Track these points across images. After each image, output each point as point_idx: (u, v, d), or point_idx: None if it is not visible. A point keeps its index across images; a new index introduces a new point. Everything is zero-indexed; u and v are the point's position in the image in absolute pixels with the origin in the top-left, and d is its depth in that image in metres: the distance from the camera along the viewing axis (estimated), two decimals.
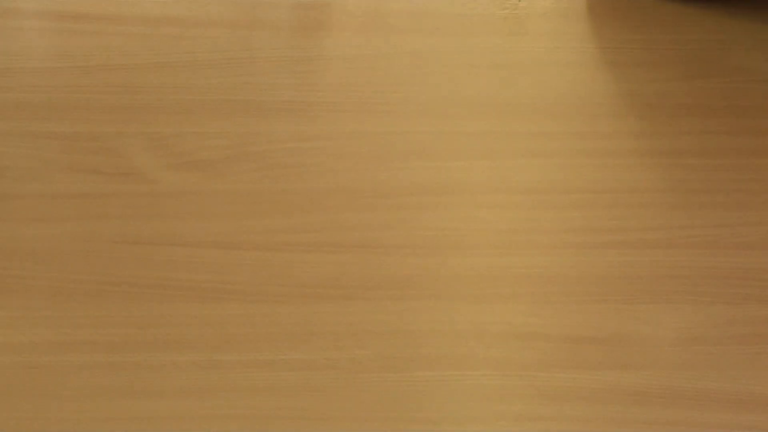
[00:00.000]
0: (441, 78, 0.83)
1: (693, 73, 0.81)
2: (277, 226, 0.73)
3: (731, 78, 0.84)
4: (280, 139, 0.79)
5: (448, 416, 0.60)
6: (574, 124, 0.79)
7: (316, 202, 0.73)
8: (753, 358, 0.64)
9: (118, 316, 0.67)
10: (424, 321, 0.67)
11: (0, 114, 0.83)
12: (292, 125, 0.80)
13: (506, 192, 0.75)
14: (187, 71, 0.83)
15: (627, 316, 0.67)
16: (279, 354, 0.64)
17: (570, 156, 0.76)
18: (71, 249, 0.71)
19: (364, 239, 0.72)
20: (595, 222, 0.73)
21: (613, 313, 0.67)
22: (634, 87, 0.81)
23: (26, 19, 0.94)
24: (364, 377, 0.63)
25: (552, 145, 0.77)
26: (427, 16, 0.87)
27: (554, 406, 0.61)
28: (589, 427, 0.60)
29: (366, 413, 0.61)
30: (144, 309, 0.67)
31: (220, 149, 0.78)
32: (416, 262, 0.71)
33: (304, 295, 0.69)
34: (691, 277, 0.69)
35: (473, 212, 0.73)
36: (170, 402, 0.61)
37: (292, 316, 0.67)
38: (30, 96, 0.83)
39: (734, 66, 0.80)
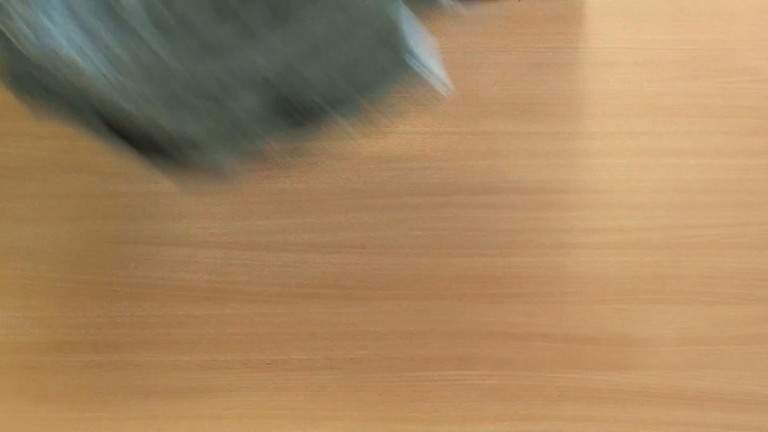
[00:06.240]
0: None
1: (693, 73, 0.81)
2: (277, 226, 0.73)
3: (731, 78, 0.84)
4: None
5: (448, 416, 0.61)
6: (575, 124, 0.79)
7: (316, 202, 0.73)
8: (753, 358, 0.64)
9: (118, 316, 0.67)
10: (425, 321, 0.67)
11: (0, 114, 0.83)
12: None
13: (506, 192, 0.75)
14: None
15: (627, 316, 0.67)
16: (279, 354, 0.64)
17: (570, 156, 0.76)
18: (71, 249, 0.71)
19: (364, 239, 0.72)
20: (595, 222, 0.73)
21: (613, 313, 0.67)
22: (634, 87, 0.81)
23: None
24: (363, 377, 0.63)
25: (552, 145, 0.77)
26: (426, 16, 0.87)
27: (554, 406, 0.61)
28: (589, 427, 0.60)
29: (366, 413, 0.61)
30: (144, 309, 0.67)
31: None
32: (416, 262, 0.71)
33: (304, 295, 0.69)
34: (691, 277, 0.69)
35: (473, 212, 0.73)
36: (170, 402, 0.61)
37: (292, 316, 0.67)
38: None
39: (734, 66, 0.80)
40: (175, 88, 0.53)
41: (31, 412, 0.61)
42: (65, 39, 0.52)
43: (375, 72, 0.57)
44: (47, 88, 0.55)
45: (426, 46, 0.57)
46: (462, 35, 0.87)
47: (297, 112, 0.57)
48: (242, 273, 0.70)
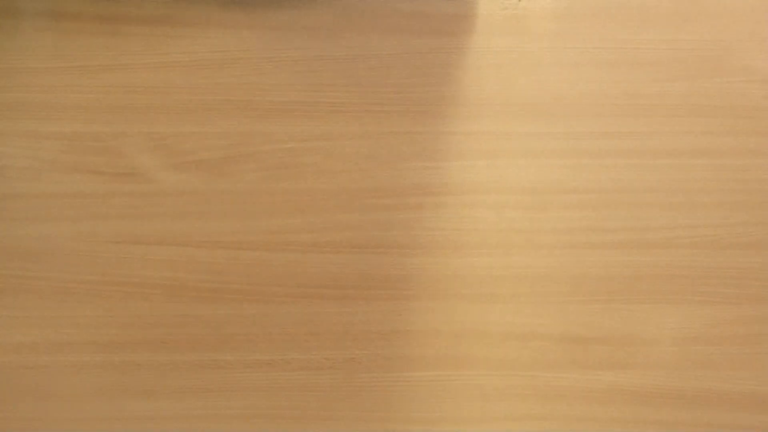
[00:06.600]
0: (441, 78, 0.83)
1: (693, 73, 0.81)
2: (277, 226, 0.73)
3: (731, 78, 0.84)
4: (280, 139, 0.79)
5: (448, 416, 0.60)
6: (574, 124, 0.79)
7: (316, 202, 0.73)
8: (753, 358, 0.64)
9: (118, 316, 0.67)
10: (424, 321, 0.67)
11: (0, 114, 0.83)
12: (292, 125, 0.80)
13: (506, 192, 0.75)
14: (187, 71, 0.83)
15: (627, 316, 0.67)
16: (279, 354, 0.64)
17: (570, 156, 0.76)
18: (71, 249, 0.71)
19: (364, 239, 0.72)
20: (595, 222, 0.73)
21: (613, 313, 0.67)
22: (634, 87, 0.81)
23: (26, 19, 0.94)
24: (363, 377, 0.63)
25: (552, 145, 0.77)
26: (427, 16, 0.87)
27: (554, 406, 0.61)
28: (589, 427, 0.60)
29: (366, 413, 0.61)
30: (144, 309, 0.67)
31: (220, 149, 0.78)
32: (416, 262, 0.71)
33: (304, 295, 0.69)
34: (691, 277, 0.69)
35: (473, 212, 0.73)
36: (170, 402, 0.61)
37: (292, 316, 0.67)
38: (30, 96, 0.83)
39: (734, 66, 0.80)
40: None
41: (31, 412, 0.61)
42: None
43: None
44: None
45: None
46: (462, 35, 0.87)
47: None
48: (242, 273, 0.70)
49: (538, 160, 0.76)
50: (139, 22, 0.85)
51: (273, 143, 0.79)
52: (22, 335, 0.65)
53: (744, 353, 0.64)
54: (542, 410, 0.61)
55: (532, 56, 0.84)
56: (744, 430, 0.60)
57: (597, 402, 0.61)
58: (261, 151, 0.78)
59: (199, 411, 0.61)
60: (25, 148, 0.80)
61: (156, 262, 0.70)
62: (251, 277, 0.70)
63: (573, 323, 0.66)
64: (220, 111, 0.81)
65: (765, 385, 0.62)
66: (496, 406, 0.61)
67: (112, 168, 0.76)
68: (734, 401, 0.61)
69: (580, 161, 0.76)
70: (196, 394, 0.62)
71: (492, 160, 0.77)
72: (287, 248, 0.72)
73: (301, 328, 0.66)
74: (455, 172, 0.76)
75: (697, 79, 0.81)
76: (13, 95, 0.85)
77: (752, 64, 0.80)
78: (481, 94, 0.81)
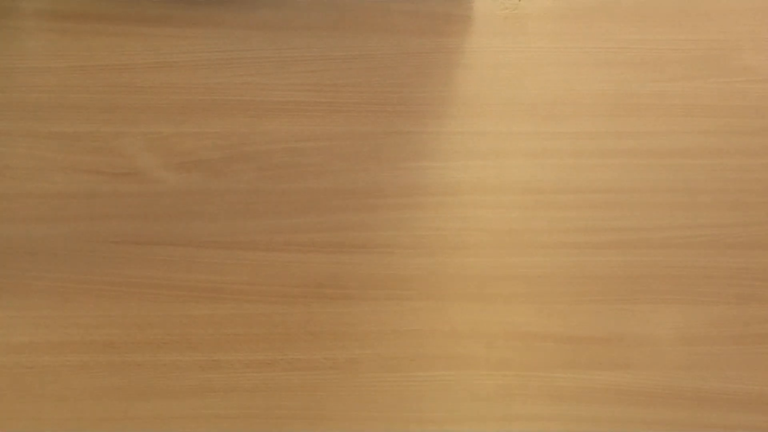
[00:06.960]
0: (441, 78, 0.83)
1: (693, 73, 0.81)
2: (277, 226, 0.73)
3: (731, 78, 0.84)
4: (280, 139, 0.79)
5: (448, 416, 0.61)
6: (574, 124, 0.79)
7: (316, 202, 0.73)
8: (753, 358, 0.64)
9: (118, 316, 0.67)
10: (424, 321, 0.67)
11: (0, 114, 0.83)
12: (292, 125, 0.80)
13: (506, 192, 0.75)
14: (187, 71, 0.83)
15: (627, 316, 0.67)
16: (279, 354, 0.64)
17: (570, 156, 0.76)
18: (71, 249, 0.71)
19: (364, 239, 0.72)
20: (595, 222, 0.73)
21: (613, 313, 0.67)
22: (634, 87, 0.81)
23: (26, 19, 0.94)
24: (364, 377, 0.63)
25: (552, 145, 0.77)
26: (427, 16, 0.87)
27: (554, 406, 0.61)
28: (590, 427, 0.60)
29: (366, 413, 0.61)
30: (144, 309, 0.67)
31: (220, 149, 0.78)
32: (416, 262, 0.71)
33: (304, 295, 0.69)
34: (691, 277, 0.69)
35: (473, 212, 0.73)
36: (170, 402, 0.61)
37: (292, 316, 0.67)
38: (30, 96, 0.83)
39: (734, 66, 0.80)
40: None
41: (31, 412, 0.61)
42: None
43: None
44: None
45: None
46: (462, 35, 0.87)
47: None
48: (242, 273, 0.70)
49: (538, 160, 0.76)
50: (139, 22, 0.85)
51: (273, 143, 0.79)
52: (22, 335, 0.65)
53: (744, 353, 0.64)
54: (542, 410, 0.61)
55: (531, 56, 0.84)
56: (744, 430, 0.60)
57: (597, 402, 0.61)
58: (261, 151, 0.78)
59: (199, 411, 0.61)
60: (25, 148, 0.80)
61: (156, 262, 0.70)
62: (251, 277, 0.70)
63: (573, 323, 0.66)
64: (220, 111, 0.81)
65: (765, 385, 0.62)
66: (496, 406, 0.61)
67: (112, 168, 0.76)
68: (734, 401, 0.61)
69: (580, 161, 0.76)
70: (196, 394, 0.62)
71: (492, 160, 0.77)
72: (287, 248, 0.72)
73: (301, 328, 0.66)
74: (455, 172, 0.76)
75: (697, 79, 0.81)
76: (13, 95, 0.85)
77: (752, 64, 0.81)
78: (481, 94, 0.81)
